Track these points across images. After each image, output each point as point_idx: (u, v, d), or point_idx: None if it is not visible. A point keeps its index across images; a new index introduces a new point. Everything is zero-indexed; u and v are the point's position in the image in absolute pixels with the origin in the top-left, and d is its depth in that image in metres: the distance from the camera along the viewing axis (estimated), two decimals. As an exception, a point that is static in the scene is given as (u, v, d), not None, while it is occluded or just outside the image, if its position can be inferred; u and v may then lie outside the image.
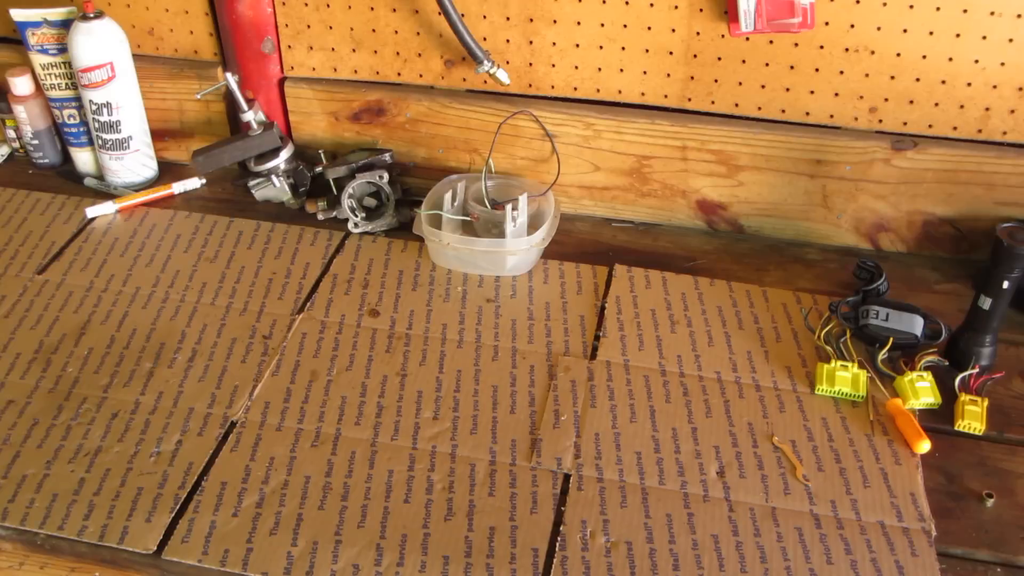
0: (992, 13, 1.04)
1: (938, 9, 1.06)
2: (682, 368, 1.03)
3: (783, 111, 1.17)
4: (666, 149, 1.21)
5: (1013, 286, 0.96)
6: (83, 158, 1.36)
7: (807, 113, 1.17)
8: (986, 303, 0.98)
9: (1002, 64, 1.08)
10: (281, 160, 1.26)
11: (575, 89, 1.22)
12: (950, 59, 1.09)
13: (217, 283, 1.15)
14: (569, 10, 1.16)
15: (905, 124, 1.14)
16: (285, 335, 1.07)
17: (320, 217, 1.26)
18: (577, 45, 1.18)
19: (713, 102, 1.19)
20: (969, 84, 1.10)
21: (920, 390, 0.97)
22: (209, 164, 1.26)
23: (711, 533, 0.85)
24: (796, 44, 1.12)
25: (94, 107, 1.26)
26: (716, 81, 1.17)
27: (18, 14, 1.25)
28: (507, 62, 1.21)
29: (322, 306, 1.11)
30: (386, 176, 1.21)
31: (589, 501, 0.88)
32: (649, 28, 1.15)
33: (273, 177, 1.27)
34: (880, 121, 1.15)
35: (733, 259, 1.21)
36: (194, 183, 1.33)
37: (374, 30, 1.24)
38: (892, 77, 1.11)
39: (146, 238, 1.23)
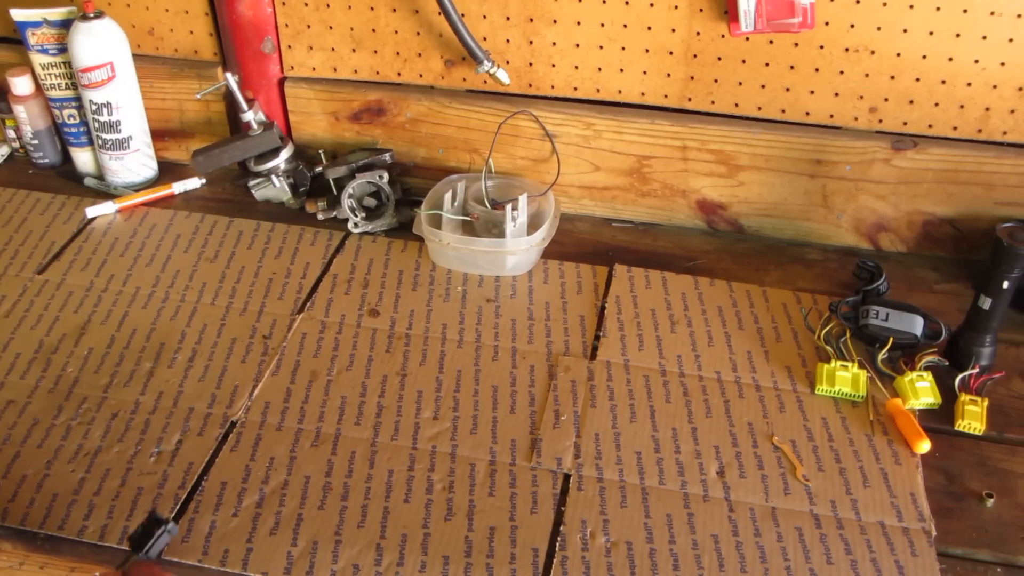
0: (992, 13, 1.04)
1: (938, 9, 1.06)
2: (682, 368, 1.03)
3: (783, 111, 1.17)
4: (666, 149, 1.21)
5: (1013, 286, 0.96)
6: (83, 158, 1.36)
7: (807, 113, 1.17)
8: (986, 303, 0.98)
9: (1002, 64, 1.08)
10: (281, 160, 1.26)
11: (575, 89, 1.22)
12: (950, 59, 1.09)
13: (217, 283, 1.15)
14: (569, 10, 1.16)
15: (905, 124, 1.14)
16: (285, 335, 1.07)
17: (320, 217, 1.26)
18: (577, 45, 1.18)
19: (713, 102, 1.19)
20: (969, 84, 1.10)
21: (920, 390, 0.97)
22: (209, 164, 1.26)
23: (711, 533, 0.85)
24: (796, 44, 1.12)
25: (94, 107, 1.26)
26: (716, 81, 1.17)
27: (18, 14, 1.25)
28: (507, 62, 1.21)
29: (322, 306, 1.11)
30: (386, 176, 1.21)
31: (589, 501, 0.88)
32: (649, 28, 1.15)
33: (273, 177, 1.27)
34: (880, 121, 1.15)
35: (733, 259, 1.21)
36: (194, 183, 1.33)
37: (374, 30, 1.24)
38: (892, 77, 1.11)
39: (146, 238, 1.23)
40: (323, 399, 0.99)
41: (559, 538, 0.84)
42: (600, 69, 1.20)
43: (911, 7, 1.06)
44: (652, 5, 1.13)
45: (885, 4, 1.07)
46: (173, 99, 1.35)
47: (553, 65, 1.21)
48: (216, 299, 1.12)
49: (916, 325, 1.03)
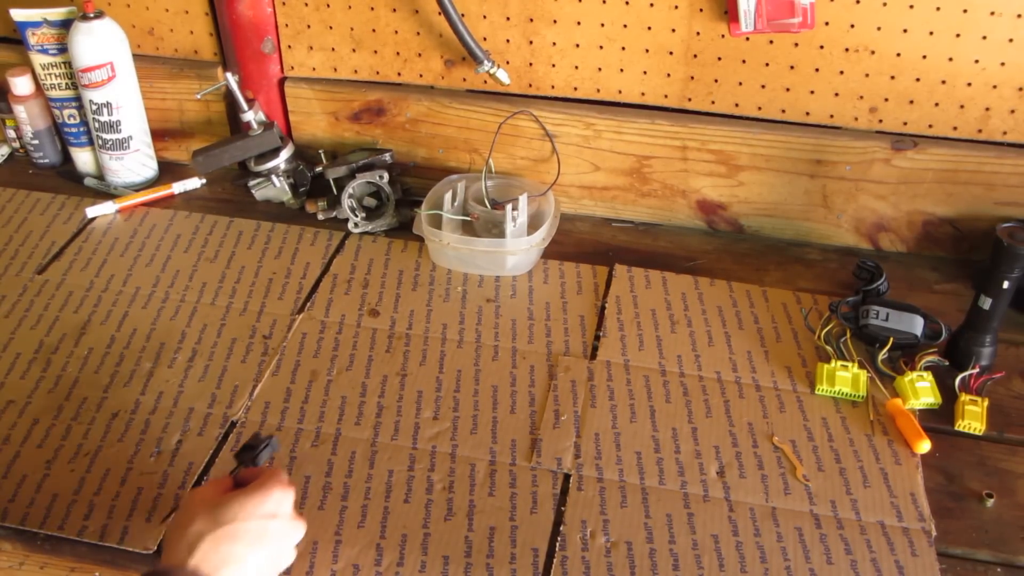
0: (992, 13, 1.04)
1: (938, 9, 1.06)
2: (682, 368, 1.03)
3: (783, 111, 1.17)
4: (666, 149, 1.21)
5: (1013, 286, 0.96)
6: (83, 158, 1.36)
7: (807, 113, 1.17)
8: (986, 303, 0.98)
9: (1002, 64, 1.08)
10: (281, 160, 1.26)
11: (575, 89, 1.22)
12: (950, 59, 1.09)
13: (217, 283, 1.15)
14: (569, 10, 1.16)
15: (905, 124, 1.14)
16: (285, 335, 1.07)
17: (320, 217, 1.26)
18: (577, 45, 1.18)
19: (713, 102, 1.19)
20: (969, 84, 1.10)
21: (920, 390, 0.97)
22: (209, 164, 1.26)
23: (711, 533, 0.85)
24: (796, 44, 1.12)
25: (94, 107, 1.26)
26: (716, 81, 1.17)
27: (18, 14, 1.25)
28: (507, 62, 1.21)
29: (322, 306, 1.11)
30: (386, 176, 1.21)
31: (589, 501, 0.88)
32: (649, 28, 1.15)
33: (273, 177, 1.27)
34: (880, 121, 1.15)
35: (733, 259, 1.21)
36: (194, 183, 1.33)
37: (374, 30, 1.24)
38: (892, 77, 1.11)
39: (146, 238, 1.23)
40: (323, 399, 0.99)
41: (559, 538, 0.84)
42: (600, 69, 1.20)
43: (911, 7, 1.06)
44: (652, 5, 1.13)
45: (885, 4, 1.07)
46: (173, 99, 1.35)
47: (553, 65, 1.21)
48: (216, 299, 1.12)
49: (916, 325, 1.03)
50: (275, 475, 0.78)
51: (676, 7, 1.12)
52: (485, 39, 1.20)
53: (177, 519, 0.76)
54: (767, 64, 1.14)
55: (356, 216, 1.22)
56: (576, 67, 1.20)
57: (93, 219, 1.27)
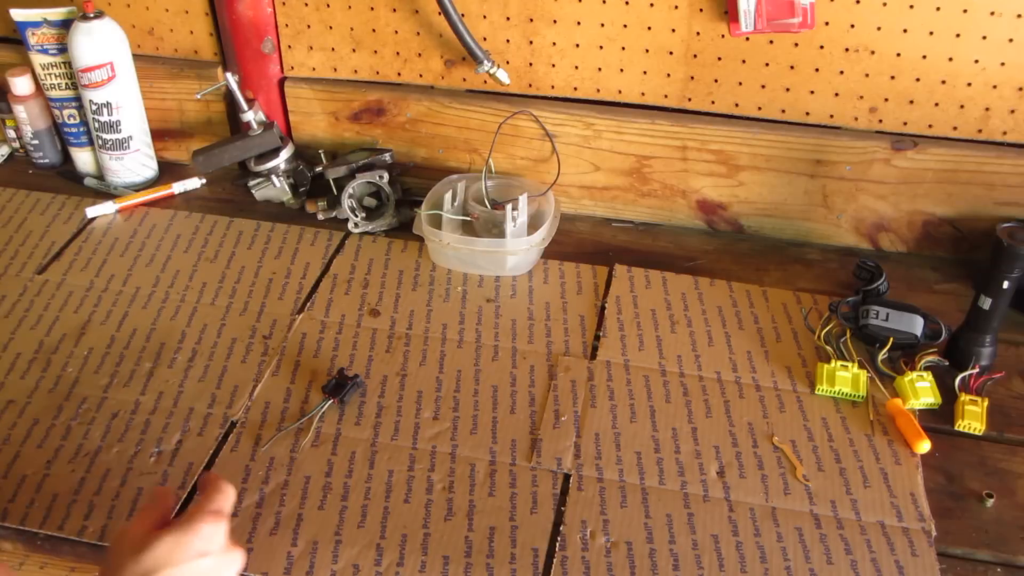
0: (992, 13, 1.05)
1: (938, 9, 1.06)
2: (682, 368, 1.03)
3: (783, 111, 1.17)
4: (666, 149, 1.21)
5: (1013, 286, 0.96)
6: (83, 158, 1.36)
7: (807, 113, 1.17)
8: (986, 303, 0.98)
9: (1002, 64, 1.08)
10: (281, 160, 1.26)
11: (575, 89, 1.22)
12: (950, 59, 1.09)
13: (217, 283, 1.15)
14: (569, 10, 1.16)
15: (905, 124, 1.14)
16: (285, 335, 1.07)
17: (320, 217, 1.26)
18: (577, 45, 1.18)
19: (713, 102, 1.19)
20: (969, 84, 1.10)
21: (920, 390, 0.97)
22: (209, 164, 1.26)
23: (711, 533, 0.85)
24: (796, 44, 1.12)
25: (94, 107, 1.26)
26: (716, 81, 1.17)
27: (18, 14, 1.25)
28: (507, 62, 1.21)
29: (322, 306, 1.11)
30: (386, 176, 1.21)
31: (589, 501, 0.88)
32: (649, 28, 1.15)
33: (273, 177, 1.27)
34: (880, 121, 1.15)
35: (733, 259, 1.21)
36: (194, 183, 1.33)
37: (374, 30, 1.24)
38: (892, 77, 1.11)
39: (146, 238, 1.23)
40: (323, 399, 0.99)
41: (559, 538, 0.84)
42: (600, 69, 1.20)
43: (911, 7, 1.06)
44: (652, 5, 1.13)
45: (885, 4, 1.07)
46: (173, 99, 1.35)
47: (553, 65, 1.21)
48: (216, 299, 1.12)
49: (916, 325, 1.03)
50: (204, 507, 0.74)
51: (676, 7, 1.12)
52: (485, 39, 1.20)
53: (105, 568, 0.71)
54: (767, 64, 1.14)
55: (356, 216, 1.22)
56: (576, 67, 1.20)
57: (93, 219, 1.27)
